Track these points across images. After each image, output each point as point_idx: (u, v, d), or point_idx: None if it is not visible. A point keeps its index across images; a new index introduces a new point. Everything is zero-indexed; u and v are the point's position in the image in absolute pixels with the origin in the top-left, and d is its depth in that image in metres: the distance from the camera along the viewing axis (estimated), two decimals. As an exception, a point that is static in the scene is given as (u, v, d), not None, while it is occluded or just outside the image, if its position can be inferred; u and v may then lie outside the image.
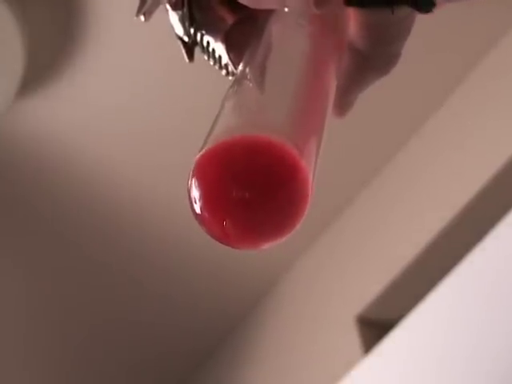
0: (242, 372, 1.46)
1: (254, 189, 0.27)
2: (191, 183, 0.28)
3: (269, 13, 0.35)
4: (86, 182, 1.31)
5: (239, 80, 0.32)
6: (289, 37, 0.34)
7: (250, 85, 0.32)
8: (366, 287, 1.23)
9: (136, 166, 1.31)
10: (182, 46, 0.37)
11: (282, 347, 1.39)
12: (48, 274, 1.42)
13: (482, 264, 0.96)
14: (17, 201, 1.33)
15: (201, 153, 0.28)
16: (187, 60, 0.37)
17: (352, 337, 1.21)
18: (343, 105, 0.37)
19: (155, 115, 1.26)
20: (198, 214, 0.28)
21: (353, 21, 0.34)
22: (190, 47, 0.37)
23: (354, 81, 0.36)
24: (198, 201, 0.28)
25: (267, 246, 0.28)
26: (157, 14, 0.38)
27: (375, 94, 1.16)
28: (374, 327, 1.22)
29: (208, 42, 0.36)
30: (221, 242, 0.28)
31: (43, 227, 1.37)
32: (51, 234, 1.38)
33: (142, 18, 0.36)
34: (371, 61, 0.35)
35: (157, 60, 1.20)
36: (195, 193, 0.28)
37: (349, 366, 1.12)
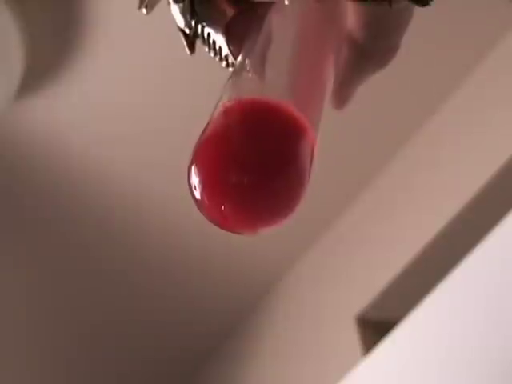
0: (242, 371, 1.46)
1: (251, 173, 0.27)
2: (190, 170, 0.28)
3: (269, 5, 0.35)
4: (86, 183, 1.31)
5: (238, 71, 0.33)
6: (289, 28, 0.35)
7: (250, 75, 0.32)
8: (366, 287, 1.23)
9: (136, 166, 1.31)
10: (183, 38, 0.38)
11: (282, 347, 1.39)
12: (48, 274, 1.42)
13: (482, 264, 0.96)
14: (16, 201, 1.33)
15: (199, 139, 0.28)
16: (188, 52, 0.38)
17: (352, 337, 1.21)
18: (343, 97, 0.37)
19: (155, 115, 1.26)
20: (198, 200, 0.28)
21: (351, 13, 0.35)
22: (191, 39, 0.37)
23: (352, 72, 0.36)
24: (197, 187, 0.28)
25: (266, 231, 0.29)
26: (157, 14, 0.38)
27: (376, 94, 1.16)
28: (374, 327, 1.22)
29: (209, 34, 0.36)
30: (220, 227, 0.29)
31: (42, 227, 1.37)
32: (50, 234, 1.37)
33: (144, 10, 0.36)
34: (370, 53, 0.36)
35: (156, 60, 1.20)
36: (194, 179, 0.28)
37: (349, 365, 1.12)
